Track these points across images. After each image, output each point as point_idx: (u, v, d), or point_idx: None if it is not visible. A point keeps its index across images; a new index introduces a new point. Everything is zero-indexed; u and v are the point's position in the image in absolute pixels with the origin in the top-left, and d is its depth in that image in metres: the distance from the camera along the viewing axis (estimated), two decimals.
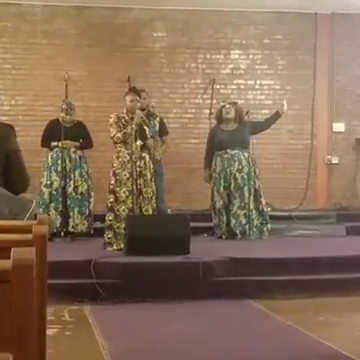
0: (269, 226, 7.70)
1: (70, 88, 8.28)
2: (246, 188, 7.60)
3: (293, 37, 9.95)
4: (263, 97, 9.91)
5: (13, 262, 1.52)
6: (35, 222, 2.58)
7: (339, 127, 9.98)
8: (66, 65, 9.21)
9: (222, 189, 7.67)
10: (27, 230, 2.31)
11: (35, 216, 3.10)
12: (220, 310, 5.20)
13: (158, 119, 7.92)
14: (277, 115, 8.07)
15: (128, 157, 6.61)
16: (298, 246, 7.14)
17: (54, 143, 7.67)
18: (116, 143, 6.75)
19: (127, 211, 6.51)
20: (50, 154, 7.70)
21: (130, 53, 9.64)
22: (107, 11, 9.60)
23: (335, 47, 9.99)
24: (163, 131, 8.00)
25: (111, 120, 6.77)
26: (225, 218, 7.61)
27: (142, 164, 6.62)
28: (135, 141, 6.61)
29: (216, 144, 7.83)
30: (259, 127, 8.04)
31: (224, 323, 4.80)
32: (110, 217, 6.60)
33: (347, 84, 9.94)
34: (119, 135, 6.66)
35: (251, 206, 7.58)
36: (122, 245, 6.43)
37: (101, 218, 7.08)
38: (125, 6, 9.56)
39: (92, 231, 7.60)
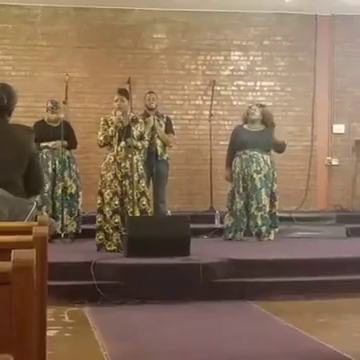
0: (277, 229, 7.71)
1: (70, 90, 8.29)
2: (264, 190, 7.58)
3: (293, 39, 9.97)
4: (263, 98, 9.91)
5: (13, 264, 1.53)
6: (35, 224, 2.59)
7: (339, 129, 9.99)
8: (67, 67, 9.22)
9: (241, 190, 7.65)
10: (27, 232, 2.31)
11: (35, 218, 3.12)
12: (220, 311, 5.20)
13: (165, 119, 8.03)
14: (283, 145, 7.94)
15: (113, 159, 6.60)
16: (298, 248, 7.14)
17: (44, 144, 7.62)
18: (100, 146, 6.75)
19: (111, 213, 6.51)
20: (40, 155, 7.66)
21: (131, 55, 9.66)
22: (108, 13, 9.62)
23: (335, 49, 10.01)
24: (168, 130, 8.10)
25: (100, 123, 6.75)
26: (245, 219, 7.61)
27: (128, 165, 6.54)
28: (119, 142, 6.59)
29: (237, 144, 7.78)
30: (275, 147, 7.92)
31: (224, 325, 4.80)
32: (99, 218, 6.59)
33: (347, 86, 9.95)
34: (101, 138, 6.66)
35: (268, 208, 7.59)
36: (114, 246, 6.45)
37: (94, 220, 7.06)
38: (126, 8, 9.58)
39: (80, 231, 7.59)
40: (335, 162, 9.97)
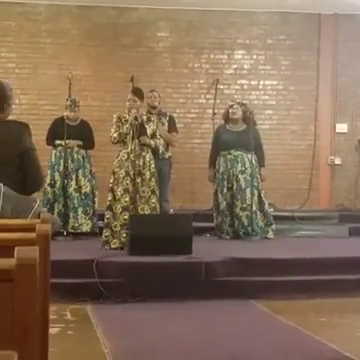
0: (274, 227, 7.68)
1: (73, 87, 8.28)
2: (249, 190, 7.55)
3: (296, 38, 9.96)
4: (266, 97, 9.91)
5: (17, 261, 1.53)
6: (38, 221, 2.59)
7: (342, 128, 9.99)
8: (70, 64, 9.23)
9: (225, 190, 7.64)
10: (30, 229, 2.31)
11: (38, 215, 3.12)
12: (222, 310, 5.20)
13: (167, 118, 8.02)
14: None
15: (126, 156, 6.62)
16: (300, 247, 7.13)
17: (58, 142, 7.68)
18: (113, 143, 6.78)
19: (121, 210, 6.52)
20: (54, 153, 7.72)
21: (134, 53, 9.66)
22: (111, 11, 9.62)
23: (338, 48, 10.00)
24: (171, 128, 8.08)
25: (113, 120, 6.80)
26: (229, 219, 7.60)
27: (141, 163, 6.59)
28: (133, 140, 6.61)
29: (221, 144, 7.78)
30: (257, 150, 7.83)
31: (226, 323, 4.80)
32: (108, 215, 6.60)
33: (350, 85, 9.94)
34: (115, 135, 6.68)
35: (254, 207, 7.55)
36: (118, 244, 6.46)
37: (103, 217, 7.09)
38: (129, 6, 9.58)
39: (97, 230, 7.59)
40: (338, 161, 9.97)
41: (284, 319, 4.88)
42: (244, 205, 7.53)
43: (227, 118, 7.90)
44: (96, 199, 7.67)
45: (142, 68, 9.45)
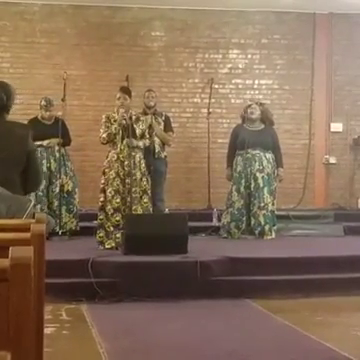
0: (275, 227, 7.71)
1: (68, 87, 8.27)
2: (266, 189, 7.58)
3: (291, 37, 9.96)
4: (261, 97, 9.91)
5: (11, 261, 1.53)
6: (33, 221, 2.58)
7: (337, 127, 9.99)
8: (64, 64, 9.22)
9: (242, 189, 7.64)
10: (25, 229, 2.31)
11: (33, 215, 3.11)
12: (217, 309, 5.21)
13: (163, 117, 8.02)
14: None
15: (116, 156, 6.60)
16: (296, 246, 7.14)
17: (38, 143, 7.42)
18: (103, 144, 6.74)
19: (113, 211, 6.51)
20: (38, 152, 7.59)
21: (129, 52, 9.64)
22: (106, 10, 9.60)
23: (333, 47, 10.01)
24: (167, 128, 8.08)
25: (102, 120, 6.74)
26: (245, 218, 7.60)
27: (131, 163, 6.57)
28: (122, 140, 6.58)
29: (238, 143, 7.77)
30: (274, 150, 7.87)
31: (221, 323, 4.80)
32: (101, 216, 6.59)
33: (345, 84, 9.95)
34: (104, 136, 6.64)
35: (271, 207, 7.59)
36: (113, 244, 6.45)
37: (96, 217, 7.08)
38: (124, 5, 9.57)
39: (78, 228, 7.57)
40: (333, 160, 9.97)
41: (280, 318, 4.88)
42: (262, 204, 7.56)
43: (244, 117, 7.88)
44: (76, 196, 7.63)
45: (137, 67, 9.45)
